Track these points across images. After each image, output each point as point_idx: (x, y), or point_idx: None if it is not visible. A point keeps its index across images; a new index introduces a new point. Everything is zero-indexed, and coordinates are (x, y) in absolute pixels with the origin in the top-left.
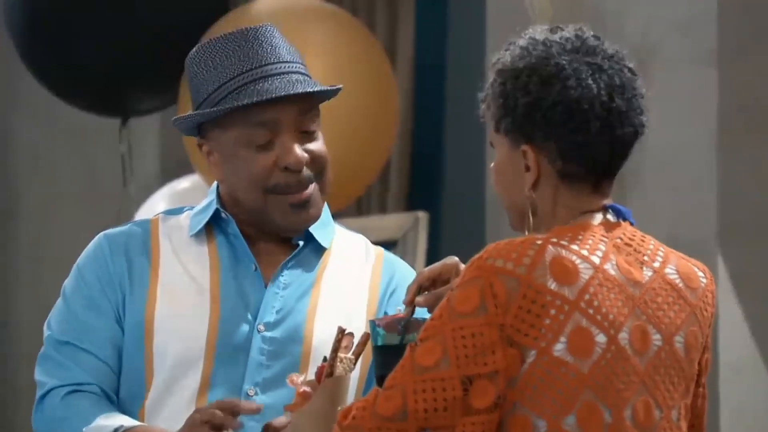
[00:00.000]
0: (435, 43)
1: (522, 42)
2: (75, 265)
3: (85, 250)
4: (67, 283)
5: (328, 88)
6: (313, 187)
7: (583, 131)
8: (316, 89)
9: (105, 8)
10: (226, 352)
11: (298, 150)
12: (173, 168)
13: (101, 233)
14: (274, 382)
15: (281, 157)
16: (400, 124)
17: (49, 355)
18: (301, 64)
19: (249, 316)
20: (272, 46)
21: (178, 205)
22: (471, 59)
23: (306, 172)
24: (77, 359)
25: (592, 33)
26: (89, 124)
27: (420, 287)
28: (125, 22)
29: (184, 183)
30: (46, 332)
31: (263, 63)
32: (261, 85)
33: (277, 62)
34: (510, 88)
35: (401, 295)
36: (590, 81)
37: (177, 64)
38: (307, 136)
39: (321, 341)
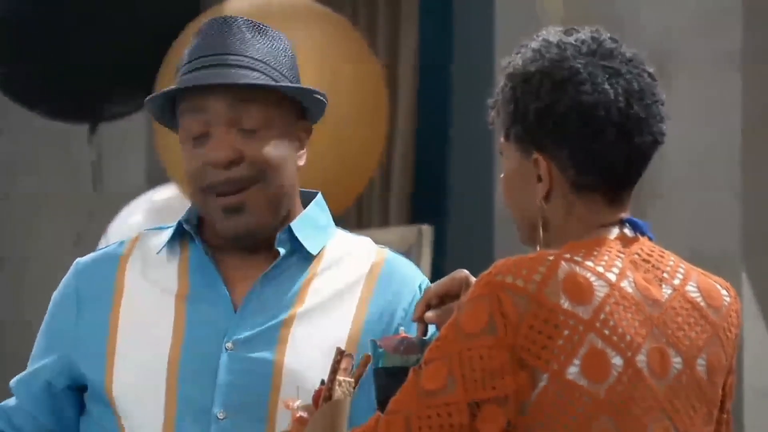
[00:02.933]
0: (440, 45)
1: (534, 44)
2: (51, 300)
3: (62, 281)
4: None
5: (263, 84)
6: (248, 193)
7: (598, 139)
8: (239, 82)
9: (69, 12)
10: (190, 371)
11: (222, 145)
12: (160, 174)
13: (75, 261)
14: (246, 405)
15: (207, 152)
16: (402, 132)
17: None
18: (260, 60)
19: (217, 334)
20: (229, 36)
21: (154, 217)
22: (478, 62)
23: (236, 172)
24: (16, 414)
25: (609, 35)
26: (71, 126)
27: (428, 305)
28: (91, 25)
29: (162, 193)
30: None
31: (206, 53)
32: (189, 75)
33: (220, 53)
34: (520, 93)
35: (399, 302)
36: (606, 86)
37: (146, 68)
38: (247, 134)
39: (296, 361)
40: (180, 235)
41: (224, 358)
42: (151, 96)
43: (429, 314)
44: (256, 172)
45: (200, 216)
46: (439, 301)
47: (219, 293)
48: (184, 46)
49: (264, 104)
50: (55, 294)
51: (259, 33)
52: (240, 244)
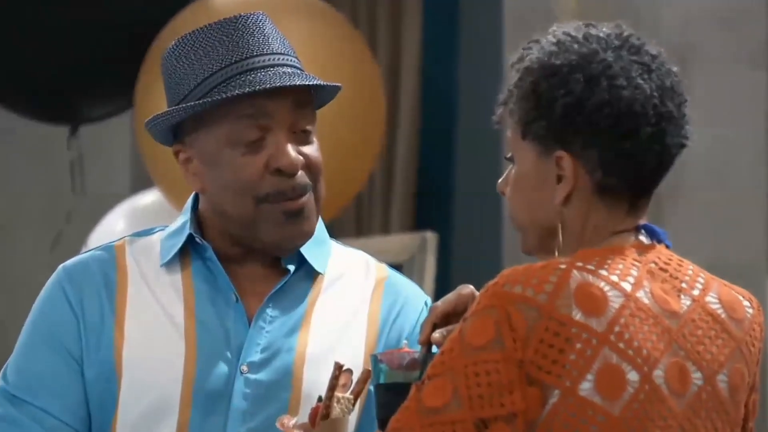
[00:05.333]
0: (445, 41)
1: (552, 38)
2: (33, 306)
3: (44, 288)
4: (25, 325)
5: (327, 83)
6: (308, 197)
7: (632, 138)
8: (313, 82)
9: (48, 8)
10: (204, 398)
11: (292, 151)
12: (146, 177)
13: (60, 266)
14: None
15: (273, 159)
16: (405, 132)
17: (5, 413)
18: (295, 57)
19: (230, 356)
20: (263, 35)
21: (139, 224)
22: (486, 59)
23: (301, 178)
24: (35, 418)
25: (631, 31)
26: (50, 129)
27: (434, 325)
28: (70, 21)
29: (146, 198)
30: (0, 383)
31: (253, 54)
32: (251, 76)
33: (268, 53)
34: (545, 88)
35: (405, 321)
36: (640, 81)
37: (130, 66)
38: (302, 137)
39: (313, 383)
40: (186, 243)
41: (239, 383)
42: (206, 101)
43: (436, 335)
44: (312, 177)
45: (201, 227)
46: (444, 321)
47: (234, 307)
48: (167, 42)
49: (312, 106)
50: (43, 303)
51: (270, 24)
52: (289, 251)
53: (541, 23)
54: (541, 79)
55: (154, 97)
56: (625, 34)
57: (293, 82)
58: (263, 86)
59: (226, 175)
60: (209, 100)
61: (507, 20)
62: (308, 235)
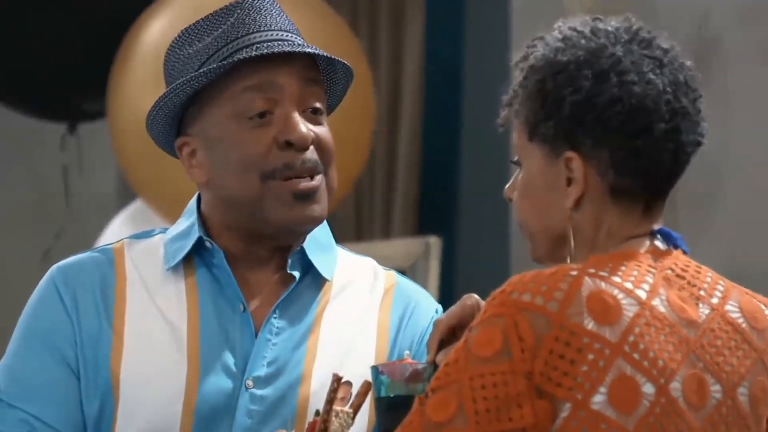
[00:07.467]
0: (449, 37)
1: (558, 34)
2: (26, 307)
3: (37, 288)
4: (17, 328)
5: (337, 57)
6: (320, 178)
7: (644, 135)
8: (322, 53)
9: (48, 7)
10: (207, 415)
11: (302, 124)
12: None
13: (54, 266)
14: None
15: (282, 132)
16: (407, 133)
17: None
18: (302, 37)
19: (234, 370)
20: (270, 14)
21: (148, 226)
22: (492, 56)
23: (312, 154)
24: (27, 426)
25: (641, 24)
26: (37, 129)
27: (441, 341)
28: (70, 20)
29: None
30: None
31: (260, 29)
32: (256, 46)
33: (275, 29)
34: (552, 86)
35: (416, 325)
36: (652, 76)
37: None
38: (313, 117)
39: (320, 399)
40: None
41: (244, 398)
42: (208, 69)
43: (440, 357)
44: (324, 159)
45: (205, 229)
46: (450, 335)
47: (240, 316)
48: (141, 31)
49: (322, 87)
50: (36, 305)
51: (277, 6)
52: (297, 235)
53: (550, 20)
54: (547, 77)
55: (126, 96)
56: (635, 27)
57: (302, 49)
58: (270, 50)
59: (232, 153)
60: (213, 66)
61: (514, 17)
62: (318, 220)
